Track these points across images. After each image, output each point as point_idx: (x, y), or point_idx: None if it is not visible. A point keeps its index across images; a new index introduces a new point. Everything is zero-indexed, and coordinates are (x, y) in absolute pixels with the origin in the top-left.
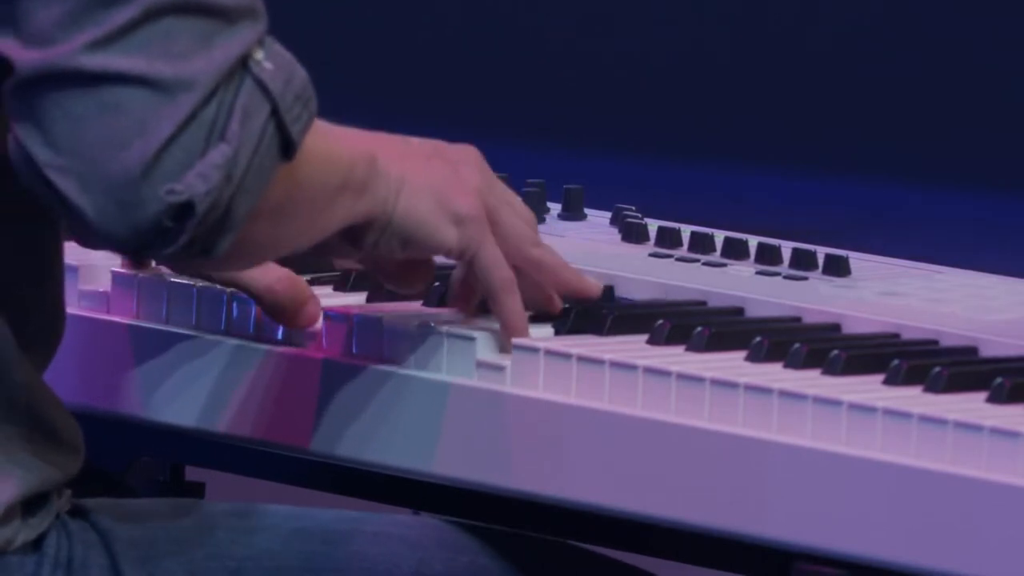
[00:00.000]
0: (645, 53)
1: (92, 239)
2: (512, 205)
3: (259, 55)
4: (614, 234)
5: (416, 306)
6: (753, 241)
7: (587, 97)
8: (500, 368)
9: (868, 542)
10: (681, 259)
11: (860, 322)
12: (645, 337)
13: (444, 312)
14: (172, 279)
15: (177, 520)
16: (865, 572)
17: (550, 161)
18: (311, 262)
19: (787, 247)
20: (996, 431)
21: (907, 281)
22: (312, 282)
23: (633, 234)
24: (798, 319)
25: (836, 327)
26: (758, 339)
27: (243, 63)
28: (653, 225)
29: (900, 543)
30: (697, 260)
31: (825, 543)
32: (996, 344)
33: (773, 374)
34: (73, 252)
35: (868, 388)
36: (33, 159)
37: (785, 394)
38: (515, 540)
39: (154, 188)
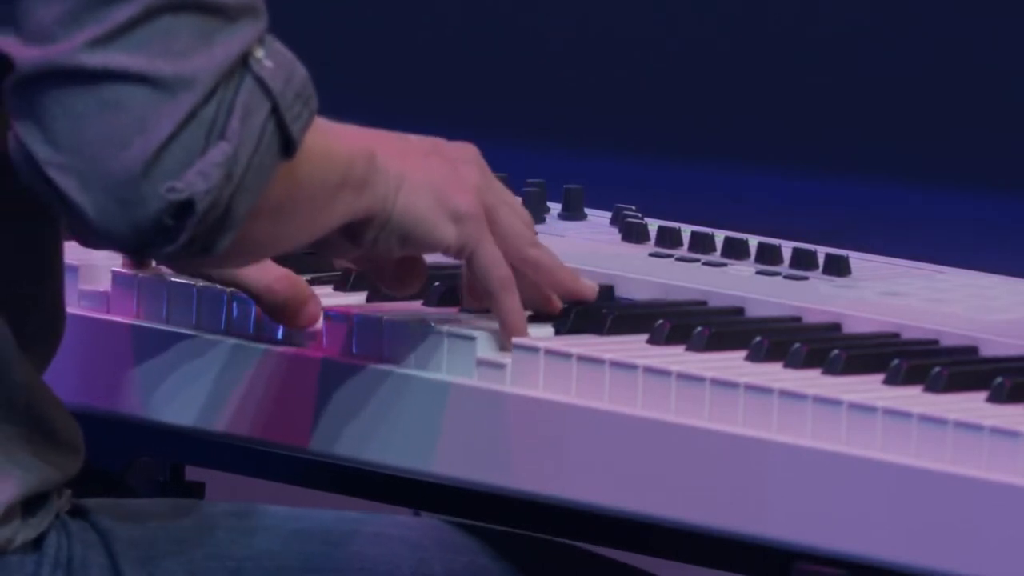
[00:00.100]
0: (645, 53)
1: (92, 238)
2: (510, 205)
3: (259, 53)
4: (614, 234)
5: (416, 306)
6: (753, 241)
7: (587, 97)
8: (500, 366)
9: (868, 542)
10: (681, 259)
11: (860, 322)
12: (645, 337)
13: (444, 312)
14: (172, 279)
15: (177, 520)
16: (865, 572)
17: (550, 161)
18: (311, 262)
19: (787, 247)
20: (996, 431)
21: (907, 281)
22: (312, 282)
23: (633, 234)
24: (798, 319)
25: (836, 327)
26: (758, 339)
27: (243, 61)
28: (653, 225)
29: (900, 543)
30: (697, 260)
31: (825, 543)
32: (996, 344)
33: (773, 374)
34: (74, 252)
35: (868, 388)
36: (33, 157)
37: (785, 394)
38: (515, 540)
39: (154, 186)
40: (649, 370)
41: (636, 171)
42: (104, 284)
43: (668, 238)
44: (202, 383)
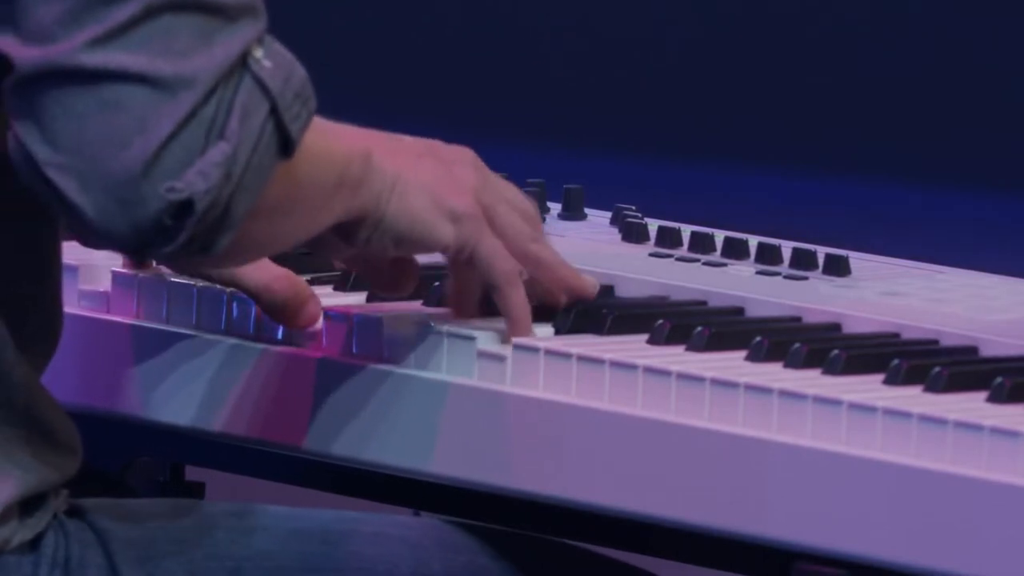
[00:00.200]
0: (645, 53)
1: (92, 238)
2: (510, 202)
3: (259, 53)
4: (614, 234)
5: (416, 306)
6: (753, 241)
7: (587, 97)
8: (501, 358)
9: (868, 542)
10: (681, 259)
11: (860, 322)
12: (645, 337)
13: (444, 312)
14: (172, 279)
15: (176, 520)
16: (865, 572)
17: (550, 161)
18: (311, 262)
19: (787, 247)
20: (996, 431)
21: (907, 281)
22: (312, 282)
23: (633, 234)
24: (798, 319)
25: (836, 327)
26: (758, 339)
27: (243, 61)
28: (653, 225)
29: (900, 543)
30: (697, 260)
31: (825, 543)
32: (996, 344)
33: (773, 374)
34: (74, 252)
35: (868, 388)
36: (33, 157)
37: (785, 394)
38: (514, 540)
39: (154, 186)
40: (649, 370)
41: (636, 171)
42: (104, 284)
43: (668, 238)
44: (202, 383)
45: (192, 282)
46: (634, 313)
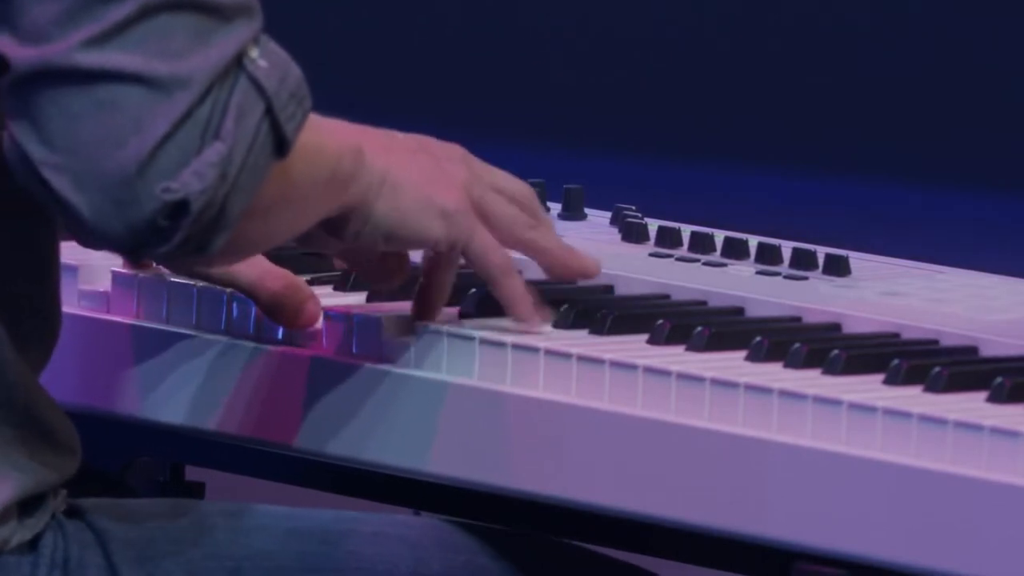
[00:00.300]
0: (645, 53)
1: (87, 238)
2: (502, 191)
3: (254, 53)
4: (614, 234)
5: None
6: (753, 241)
7: (587, 97)
8: (501, 344)
9: (868, 542)
10: (681, 259)
11: (860, 322)
12: (645, 337)
13: (444, 312)
14: (172, 279)
15: (175, 520)
16: (865, 572)
17: (550, 161)
18: (311, 262)
19: (787, 247)
20: (996, 431)
21: (907, 281)
22: (312, 282)
23: (633, 234)
24: (798, 319)
25: (836, 327)
26: (758, 339)
27: (238, 61)
28: (653, 225)
29: (900, 543)
30: (697, 260)
31: (825, 543)
32: (996, 344)
33: (773, 374)
34: (74, 252)
35: (868, 388)
36: (28, 157)
37: (785, 394)
38: (513, 539)
39: (150, 186)
40: (649, 370)
41: (636, 171)
42: (104, 284)
43: (668, 238)
44: (202, 383)
45: (192, 282)
46: (634, 313)
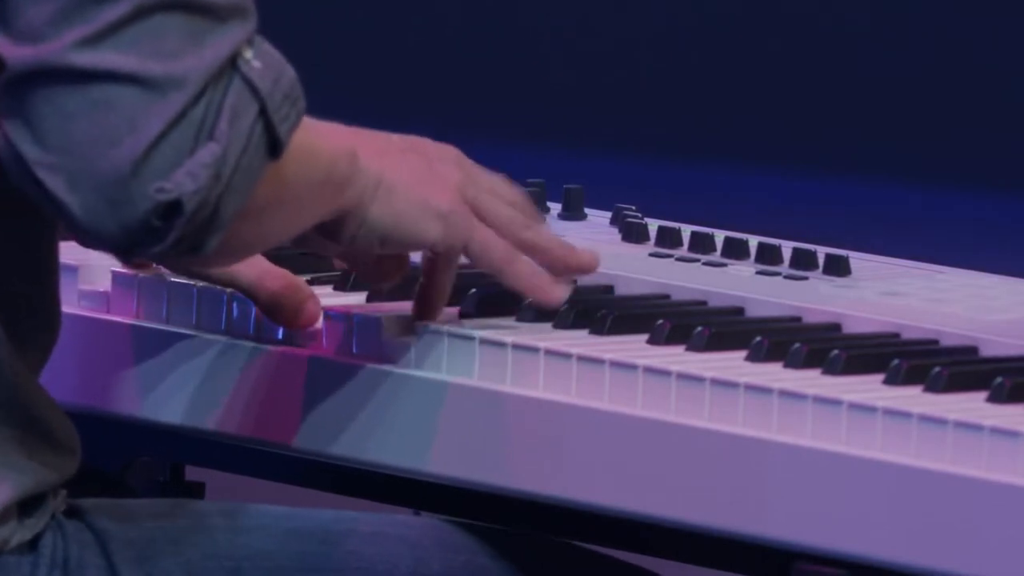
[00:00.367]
0: (645, 53)
1: (82, 237)
2: (496, 193)
3: (248, 54)
4: (614, 234)
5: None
6: (753, 241)
7: (587, 97)
8: (502, 344)
9: (868, 542)
10: (681, 259)
11: (860, 322)
12: (645, 337)
13: (444, 312)
14: (172, 279)
15: (174, 520)
16: (865, 572)
17: (550, 161)
18: (311, 262)
19: (787, 247)
20: (996, 431)
21: (907, 281)
22: (312, 282)
23: (633, 234)
24: (798, 319)
25: (836, 327)
26: (758, 339)
27: (232, 62)
28: (653, 225)
29: (900, 543)
30: (697, 260)
31: (825, 543)
32: (996, 344)
33: (773, 374)
34: (73, 252)
35: (868, 388)
36: (22, 157)
37: (785, 394)
38: (513, 539)
39: (143, 186)
40: (649, 370)
41: (636, 171)
42: (104, 284)
43: (668, 238)
44: (202, 383)
45: (192, 282)
46: (634, 313)
